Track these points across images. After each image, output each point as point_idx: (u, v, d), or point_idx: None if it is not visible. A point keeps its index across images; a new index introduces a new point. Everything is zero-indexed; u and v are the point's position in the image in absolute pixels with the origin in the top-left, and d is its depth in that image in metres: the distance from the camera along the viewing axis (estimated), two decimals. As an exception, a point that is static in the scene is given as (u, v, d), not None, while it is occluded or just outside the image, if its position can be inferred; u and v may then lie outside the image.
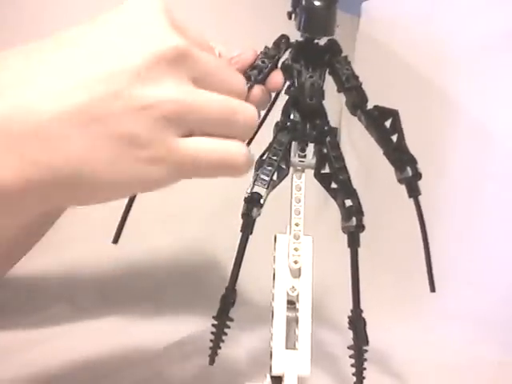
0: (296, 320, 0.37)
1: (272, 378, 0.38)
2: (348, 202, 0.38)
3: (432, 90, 0.75)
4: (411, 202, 0.39)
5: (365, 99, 0.39)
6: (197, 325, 0.59)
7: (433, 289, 0.39)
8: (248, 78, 0.37)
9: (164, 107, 0.27)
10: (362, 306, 0.40)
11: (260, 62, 0.38)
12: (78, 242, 0.66)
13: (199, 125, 0.29)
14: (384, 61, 0.84)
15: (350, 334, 0.40)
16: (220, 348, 0.39)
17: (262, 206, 0.36)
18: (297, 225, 0.37)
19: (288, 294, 0.37)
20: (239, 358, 0.51)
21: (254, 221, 0.36)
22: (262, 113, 0.42)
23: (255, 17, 0.85)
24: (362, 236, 0.39)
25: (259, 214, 0.36)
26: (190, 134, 0.28)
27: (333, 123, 0.40)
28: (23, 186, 0.24)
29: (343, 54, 0.40)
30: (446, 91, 0.73)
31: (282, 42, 0.39)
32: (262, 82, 0.37)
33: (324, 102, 0.39)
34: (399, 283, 0.69)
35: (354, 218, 0.38)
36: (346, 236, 0.39)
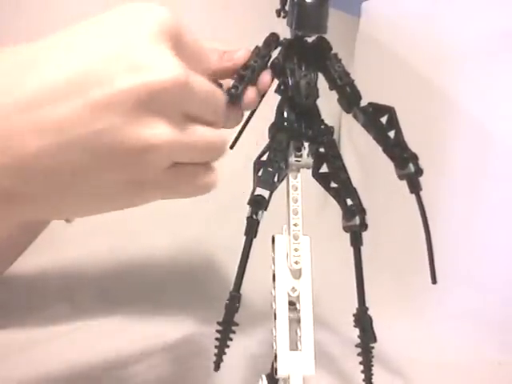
0: (297, 321, 0.37)
1: (268, 379, 0.38)
2: (348, 201, 0.38)
3: (432, 89, 0.75)
4: (411, 200, 0.39)
5: (359, 96, 0.39)
6: (196, 325, 0.59)
7: (434, 281, 0.39)
8: (241, 78, 0.37)
9: (158, 150, 0.26)
10: (363, 305, 0.40)
11: (252, 62, 0.37)
12: (77, 242, 0.66)
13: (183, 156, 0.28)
14: (384, 61, 0.84)
15: (349, 333, 0.40)
16: (225, 354, 0.38)
17: (266, 208, 0.36)
18: (296, 225, 0.37)
19: (289, 295, 0.37)
20: (237, 359, 0.51)
21: (258, 223, 0.36)
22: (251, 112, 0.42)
23: (247, 15, 0.85)
24: (363, 235, 0.39)
25: (262, 217, 0.36)
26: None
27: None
28: None
29: (334, 52, 0.39)
30: (446, 91, 0.73)
31: (272, 40, 0.39)
32: (254, 82, 0.37)
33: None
34: (399, 283, 0.69)
35: (357, 217, 0.38)
36: (342, 236, 0.39)
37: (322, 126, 0.39)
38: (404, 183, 0.39)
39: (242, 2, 0.88)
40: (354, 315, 0.40)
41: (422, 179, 0.38)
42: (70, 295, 0.62)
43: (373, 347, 0.40)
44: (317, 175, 0.39)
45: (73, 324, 0.57)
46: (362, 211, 0.38)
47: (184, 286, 0.67)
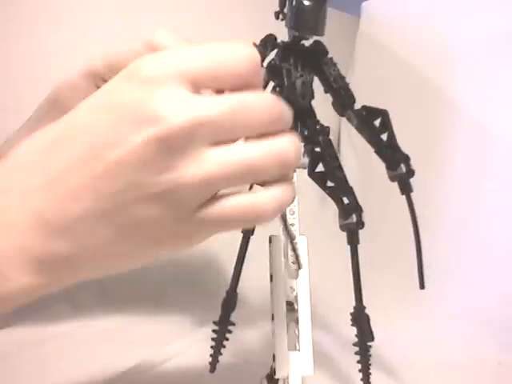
0: (295, 321, 0.37)
1: (268, 379, 0.38)
2: (345, 200, 0.38)
3: (432, 90, 0.75)
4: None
5: (353, 99, 0.39)
6: (197, 324, 0.59)
7: (422, 286, 0.39)
8: None
9: (185, 189, 0.24)
10: (362, 305, 0.40)
11: None
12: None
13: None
14: (384, 61, 0.84)
15: (347, 332, 0.40)
16: (221, 354, 0.38)
17: None
18: (292, 225, 0.37)
19: (287, 295, 0.37)
20: (236, 359, 0.51)
21: None
22: None
23: (246, 17, 0.85)
24: (361, 235, 0.39)
25: None
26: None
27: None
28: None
29: (329, 56, 0.40)
30: (446, 91, 0.73)
31: (269, 40, 0.39)
32: None
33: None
34: (399, 283, 0.69)
35: (353, 215, 0.38)
36: (339, 236, 0.39)
37: (318, 126, 0.39)
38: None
39: (242, 3, 0.88)
40: (351, 314, 0.39)
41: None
42: (70, 295, 0.62)
43: (370, 346, 0.39)
44: (313, 174, 0.39)
45: (73, 324, 0.57)
46: (358, 209, 0.38)
47: (184, 286, 0.67)
